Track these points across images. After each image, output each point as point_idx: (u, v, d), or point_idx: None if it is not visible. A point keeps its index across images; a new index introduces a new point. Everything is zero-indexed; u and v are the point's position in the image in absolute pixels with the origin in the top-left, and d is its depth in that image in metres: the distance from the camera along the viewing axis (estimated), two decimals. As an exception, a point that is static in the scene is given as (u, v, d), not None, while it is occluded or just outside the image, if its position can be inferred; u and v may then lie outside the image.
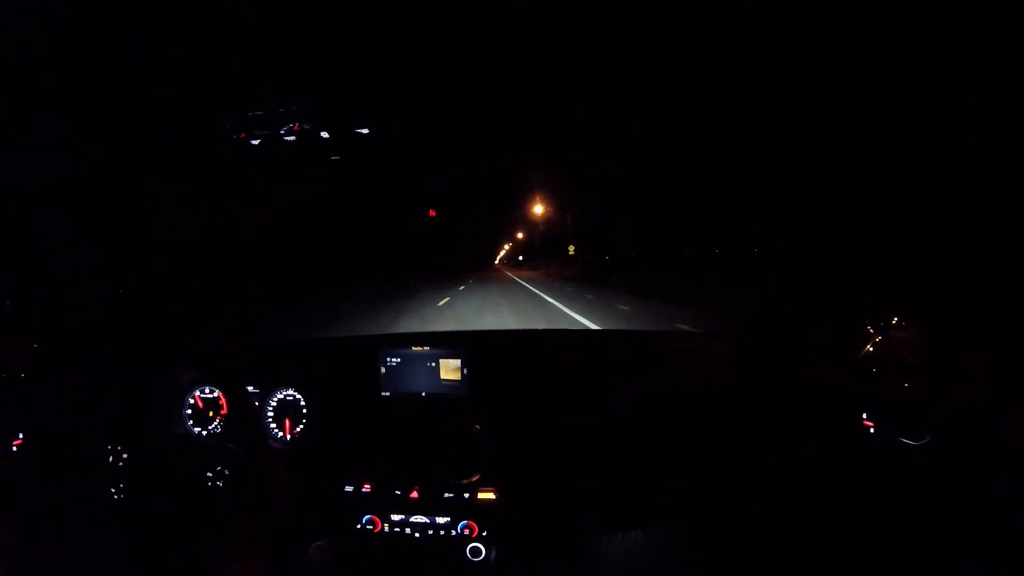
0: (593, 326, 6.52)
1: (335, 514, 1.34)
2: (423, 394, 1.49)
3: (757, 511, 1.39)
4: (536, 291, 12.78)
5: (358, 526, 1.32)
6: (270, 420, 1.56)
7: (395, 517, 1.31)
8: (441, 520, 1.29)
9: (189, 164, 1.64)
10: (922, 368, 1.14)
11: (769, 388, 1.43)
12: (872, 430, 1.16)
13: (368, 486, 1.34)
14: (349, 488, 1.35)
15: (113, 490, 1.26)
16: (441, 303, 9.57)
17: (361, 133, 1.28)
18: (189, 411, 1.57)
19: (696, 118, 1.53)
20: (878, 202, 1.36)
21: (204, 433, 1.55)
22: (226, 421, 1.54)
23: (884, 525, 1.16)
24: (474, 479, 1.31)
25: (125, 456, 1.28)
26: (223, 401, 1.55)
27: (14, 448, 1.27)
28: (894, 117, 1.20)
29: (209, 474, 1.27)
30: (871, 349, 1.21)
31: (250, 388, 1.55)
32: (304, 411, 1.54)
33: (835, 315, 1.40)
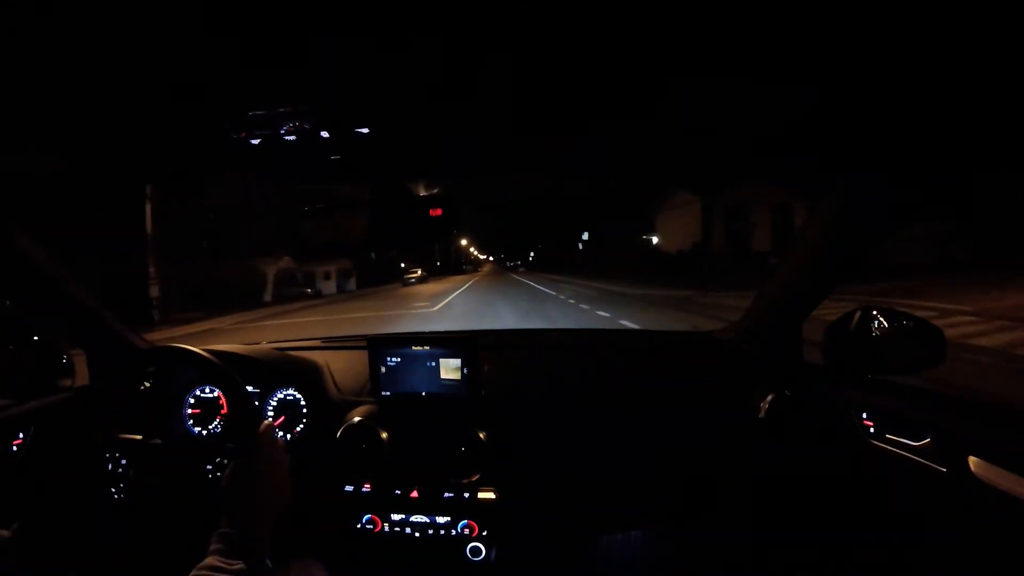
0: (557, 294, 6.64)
1: (335, 514, 1.33)
2: (423, 394, 1.48)
3: (757, 511, 1.39)
4: (531, 283, 13.63)
5: (358, 526, 1.32)
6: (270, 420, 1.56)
7: (395, 517, 1.31)
8: (441, 520, 1.29)
9: (189, 163, 1.63)
10: (922, 368, 1.14)
11: (769, 387, 1.43)
12: (872, 430, 1.16)
13: (368, 486, 1.34)
14: (349, 488, 1.34)
15: (113, 490, 1.26)
16: (441, 304, 9.56)
17: (361, 133, 1.28)
18: (189, 411, 1.57)
19: (696, 117, 1.52)
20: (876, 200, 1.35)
21: (204, 433, 1.55)
22: (226, 421, 1.54)
23: (884, 525, 1.16)
24: (474, 479, 1.31)
25: (125, 457, 1.28)
26: (223, 401, 1.55)
27: (14, 448, 1.27)
28: (893, 114, 1.19)
29: (209, 466, 1.27)
30: (871, 348, 1.21)
31: (250, 388, 1.55)
32: (304, 411, 1.54)
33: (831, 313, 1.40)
